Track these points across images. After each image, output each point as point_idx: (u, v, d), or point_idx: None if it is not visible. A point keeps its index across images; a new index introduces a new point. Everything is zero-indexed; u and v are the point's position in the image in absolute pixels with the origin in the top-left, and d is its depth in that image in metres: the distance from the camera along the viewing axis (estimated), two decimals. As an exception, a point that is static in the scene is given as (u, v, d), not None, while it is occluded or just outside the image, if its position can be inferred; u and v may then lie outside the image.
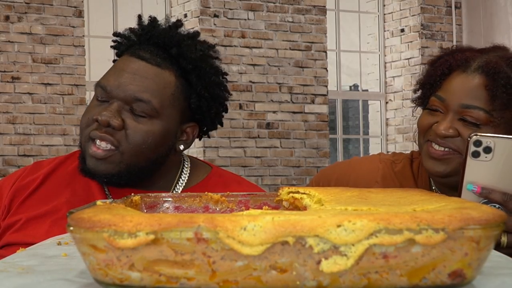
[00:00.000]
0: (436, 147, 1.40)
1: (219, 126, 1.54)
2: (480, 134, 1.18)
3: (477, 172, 1.19)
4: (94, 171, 1.38)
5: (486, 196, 1.19)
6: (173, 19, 1.50)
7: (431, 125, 1.42)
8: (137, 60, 1.39)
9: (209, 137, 1.58)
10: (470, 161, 1.18)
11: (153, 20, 1.47)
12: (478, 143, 1.18)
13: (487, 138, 1.18)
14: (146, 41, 1.44)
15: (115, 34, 1.50)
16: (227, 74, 1.52)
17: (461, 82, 1.40)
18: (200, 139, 1.57)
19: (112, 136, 1.36)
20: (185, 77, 1.42)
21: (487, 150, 1.17)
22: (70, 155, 1.54)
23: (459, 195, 1.21)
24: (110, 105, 1.37)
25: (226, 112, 1.53)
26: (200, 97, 1.44)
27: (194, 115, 1.46)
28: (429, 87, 1.47)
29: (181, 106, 1.42)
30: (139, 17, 1.49)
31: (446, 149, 1.39)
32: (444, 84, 1.43)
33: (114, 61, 1.48)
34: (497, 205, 1.19)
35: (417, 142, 1.51)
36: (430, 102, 1.44)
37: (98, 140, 1.36)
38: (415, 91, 1.57)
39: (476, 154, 1.18)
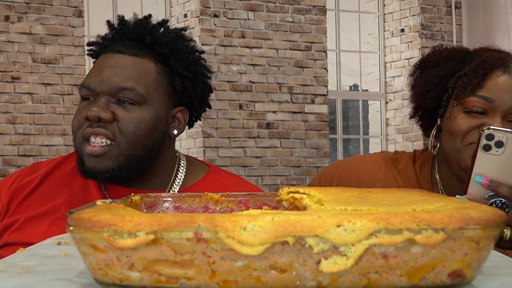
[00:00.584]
0: None
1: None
2: (492, 128, 1.19)
3: (486, 165, 1.19)
4: (95, 170, 1.38)
5: (494, 189, 1.19)
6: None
7: (474, 128, 1.38)
8: (114, 55, 1.42)
9: (200, 119, 1.59)
10: (480, 154, 1.19)
11: (121, 18, 1.50)
12: (490, 137, 1.18)
13: (500, 132, 1.18)
14: (119, 38, 1.47)
15: (89, 43, 1.53)
16: (203, 52, 1.56)
17: (508, 82, 1.38)
18: (190, 127, 1.58)
19: (106, 129, 1.37)
20: (164, 62, 1.45)
21: (499, 144, 1.18)
22: (68, 156, 1.54)
23: (466, 187, 1.21)
24: (97, 101, 1.39)
25: (211, 92, 1.56)
26: (183, 78, 1.46)
27: (182, 99, 1.48)
28: (465, 87, 1.41)
29: (166, 91, 1.44)
30: (108, 22, 1.52)
31: (479, 130, 1.34)
32: (487, 84, 1.39)
33: None
34: (503, 199, 1.20)
35: (439, 144, 1.46)
36: (469, 102, 1.39)
37: (92, 137, 1.37)
38: (422, 94, 1.50)
39: (487, 148, 1.18)
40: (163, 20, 1.52)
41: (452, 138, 1.42)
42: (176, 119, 1.47)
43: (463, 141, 1.40)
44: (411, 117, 1.59)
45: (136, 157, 1.39)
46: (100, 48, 1.48)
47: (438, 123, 1.49)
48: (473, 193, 1.20)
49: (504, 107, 1.37)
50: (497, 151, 1.18)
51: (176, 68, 1.45)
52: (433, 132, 1.50)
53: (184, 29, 1.54)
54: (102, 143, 1.37)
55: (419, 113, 1.56)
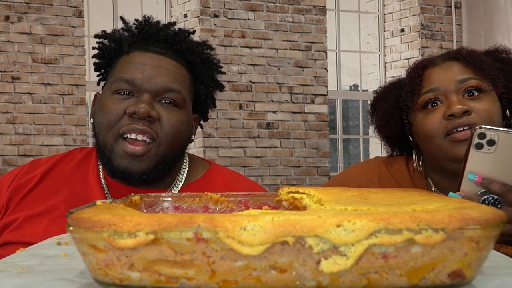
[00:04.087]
0: (460, 129, 1.41)
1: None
2: (484, 127, 1.21)
3: (479, 163, 1.22)
4: (130, 171, 1.37)
5: (486, 186, 1.22)
6: (173, 19, 1.53)
7: (441, 119, 1.44)
8: (155, 55, 1.42)
9: (202, 128, 1.62)
10: (473, 152, 1.21)
11: (147, 18, 1.49)
12: (482, 136, 1.20)
13: (491, 131, 1.20)
14: (149, 37, 1.46)
15: (98, 36, 1.50)
16: (221, 67, 1.58)
17: (442, 70, 1.48)
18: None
19: (151, 128, 1.36)
20: (191, 70, 1.47)
21: (491, 143, 1.20)
22: (68, 154, 1.53)
23: (459, 185, 1.23)
24: (141, 98, 1.37)
25: (223, 88, 1.60)
26: (207, 87, 1.50)
27: (197, 107, 1.51)
28: (412, 95, 1.49)
29: (191, 98, 1.47)
30: (122, 18, 1.52)
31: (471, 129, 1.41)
32: (426, 82, 1.48)
33: (103, 58, 1.49)
34: (495, 196, 1.22)
35: (428, 151, 1.50)
36: (422, 102, 1.47)
37: (134, 134, 1.35)
38: (385, 125, 1.59)
39: (479, 146, 1.21)
40: (188, 29, 1.54)
41: (430, 139, 1.47)
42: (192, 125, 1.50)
43: (439, 136, 1.45)
44: (390, 155, 1.68)
45: (169, 157, 1.40)
46: (118, 45, 1.46)
47: (411, 139, 1.56)
48: (466, 191, 1.23)
49: (451, 86, 1.44)
50: (489, 149, 1.20)
51: (202, 78, 1.48)
52: (415, 152, 1.57)
53: (206, 41, 1.55)
54: (145, 141, 1.36)
55: (395, 147, 1.65)
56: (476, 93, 1.43)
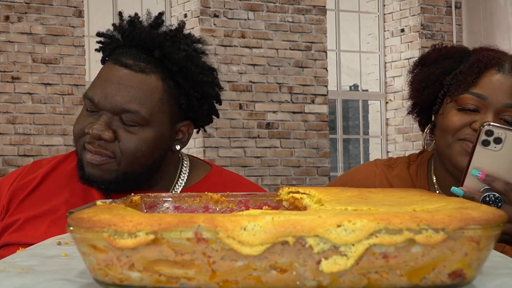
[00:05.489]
0: None
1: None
2: (492, 124, 1.22)
3: (484, 160, 1.22)
4: (93, 178, 1.38)
5: (489, 183, 1.22)
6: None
7: (466, 125, 1.41)
8: (120, 68, 1.36)
9: (205, 131, 1.57)
10: (479, 148, 1.22)
11: (133, 19, 1.44)
12: (489, 133, 1.21)
13: (499, 129, 1.21)
14: (129, 42, 1.41)
15: (99, 34, 1.47)
16: (215, 70, 1.49)
17: (501, 81, 1.41)
18: (197, 132, 1.56)
19: (106, 149, 1.35)
20: (172, 78, 1.39)
21: (497, 140, 1.20)
22: (69, 155, 1.53)
23: (462, 180, 1.23)
24: (99, 118, 1.35)
25: (220, 104, 1.51)
26: (189, 97, 1.41)
27: (187, 114, 1.44)
28: (460, 85, 1.43)
29: (171, 109, 1.39)
30: (120, 14, 1.48)
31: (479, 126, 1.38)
32: (481, 82, 1.42)
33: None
34: (497, 194, 1.22)
35: (434, 141, 1.48)
36: (462, 99, 1.42)
37: (90, 154, 1.36)
38: (418, 90, 1.54)
39: (486, 143, 1.21)
40: (176, 29, 1.45)
41: (444, 134, 1.45)
42: (180, 132, 1.44)
43: (454, 137, 1.43)
44: (408, 113, 1.61)
45: (134, 174, 1.38)
46: (109, 49, 1.44)
47: (433, 119, 1.52)
48: (469, 186, 1.23)
49: (497, 104, 1.40)
50: (495, 147, 1.21)
51: (183, 87, 1.40)
52: (427, 129, 1.53)
53: (198, 40, 1.48)
54: (102, 159, 1.36)
55: (416, 110, 1.58)
56: (508, 125, 1.39)
